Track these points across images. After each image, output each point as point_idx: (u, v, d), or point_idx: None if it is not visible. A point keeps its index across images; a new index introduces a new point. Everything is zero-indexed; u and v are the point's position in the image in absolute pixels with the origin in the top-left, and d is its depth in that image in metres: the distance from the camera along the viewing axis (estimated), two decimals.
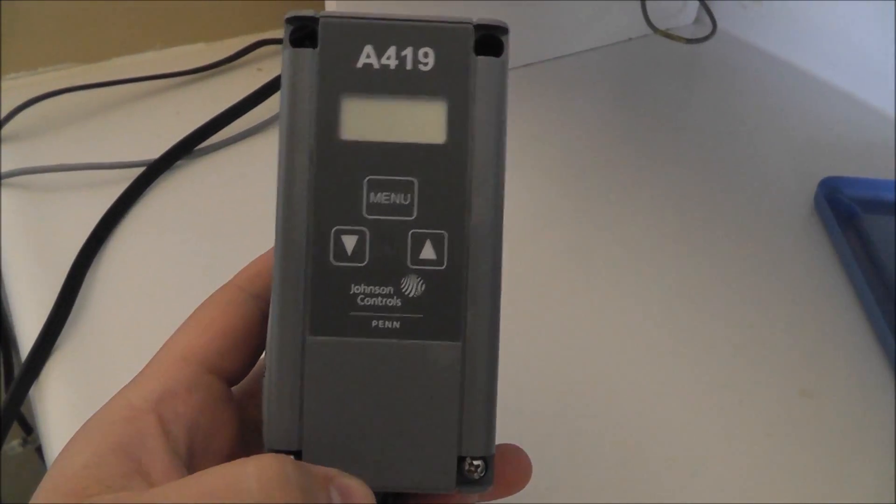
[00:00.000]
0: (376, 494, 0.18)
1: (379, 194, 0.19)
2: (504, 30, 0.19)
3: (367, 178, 0.19)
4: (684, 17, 0.61)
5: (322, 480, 0.17)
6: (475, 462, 0.19)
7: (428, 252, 0.19)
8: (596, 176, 0.45)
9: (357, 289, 0.19)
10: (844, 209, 0.43)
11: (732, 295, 0.38)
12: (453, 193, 0.19)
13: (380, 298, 0.19)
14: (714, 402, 0.33)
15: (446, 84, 0.19)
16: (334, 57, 0.19)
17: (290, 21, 0.19)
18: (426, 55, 0.19)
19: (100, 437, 0.17)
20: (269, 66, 0.52)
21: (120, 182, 0.40)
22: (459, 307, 0.19)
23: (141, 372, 0.19)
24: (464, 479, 0.19)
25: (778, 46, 0.57)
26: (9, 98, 0.45)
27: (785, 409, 0.33)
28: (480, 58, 0.19)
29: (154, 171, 0.41)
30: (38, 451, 0.53)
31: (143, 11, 0.50)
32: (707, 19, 0.59)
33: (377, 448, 0.19)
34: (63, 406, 0.31)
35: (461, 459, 0.19)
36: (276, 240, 0.19)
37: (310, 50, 0.19)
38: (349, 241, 0.19)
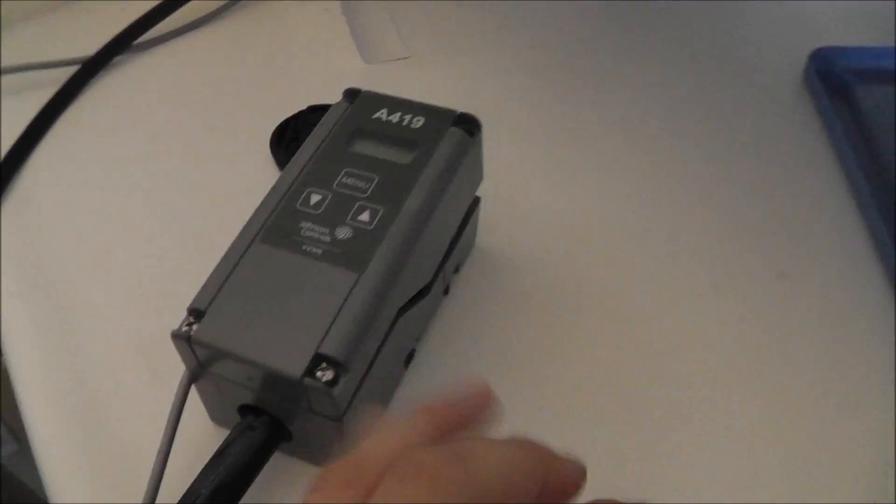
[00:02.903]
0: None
1: (349, 179, 0.26)
2: (477, 121, 0.28)
3: (346, 169, 0.27)
4: None
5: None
6: (326, 366, 0.22)
7: (364, 216, 0.25)
8: (581, 56, 0.44)
9: (305, 224, 0.25)
10: (838, 81, 0.39)
11: (715, 173, 0.36)
12: (399, 191, 0.26)
13: (316, 233, 0.25)
14: (688, 283, 0.32)
15: (422, 137, 0.27)
16: (362, 109, 0.29)
17: (348, 92, 0.30)
18: (418, 120, 0.28)
19: None
20: None
21: (58, 83, 0.39)
22: (369, 253, 0.24)
23: None
24: (311, 375, 0.22)
25: None
26: None
27: (762, 292, 0.30)
28: (454, 128, 0.28)
29: (89, 69, 0.39)
30: None
31: None
32: None
33: (260, 328, 0.23)
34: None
35: (318, 358, 0.22)
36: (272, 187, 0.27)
37: (347, 104, 0.29)
38: (315, 198, 0.26)
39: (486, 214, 0.34)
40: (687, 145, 0.39)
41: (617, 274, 0.33)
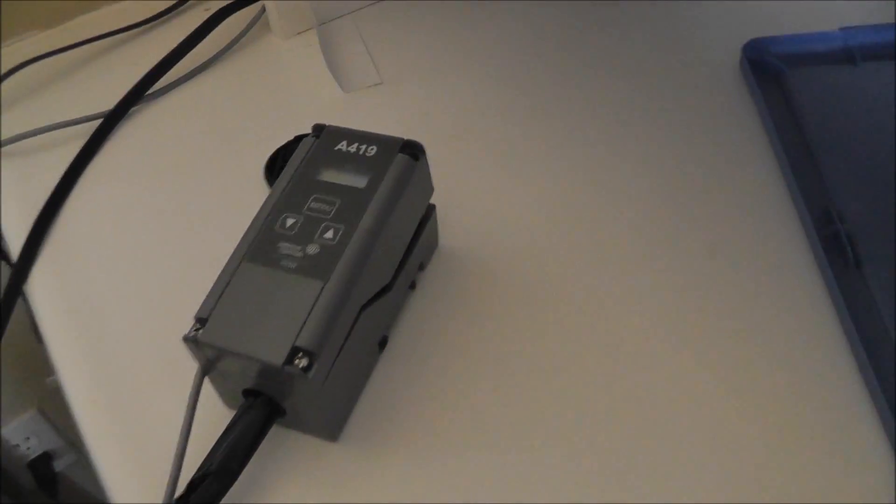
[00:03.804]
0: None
1: (316, 203, 0.33)
2: (420, 147, 0.34)
3: (314, 196, 0.33)
4: None
5: None
6: (302, 356, 0.28)
7: (329, 234, 0.31)
8: (532, 67, 0.49)
9: (282, 244, 0.31)
10: (769, 68, 0.44)
11: (660, 165, 0.42)
12: (356, 212, 0.32)
13: (291, 251, 0.31)
14: (630, 264, 0.38)
15: (375, 164, 0.33)
16: (326, 142, 0.35)
17: (315, 128, 0.36)
18: (371, 149, 0.34)
19: None
20: (216, 5, 0.52)
21: (84, 136, 0.45)
22: (332, 264, 0.30)
23: None
24: (290, 363, 0.28)
25: None
26: None
27: (693, 269, 0.37)
28: (400, 155, 0.34)
29: (111, 120, 0.45)
30: None
31: None
32: None
33: (249, 328, 0.29)
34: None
35: (295, 350, 0.28)
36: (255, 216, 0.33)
37: (314, 139, 0.35)
38: (290, 221, 0.32)
39: (450, 218, 0.40)
40: (634, 140, 0.44)
41: (570, 267, 0.39)
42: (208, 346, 0.29)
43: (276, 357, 0.28)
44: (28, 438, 0.70)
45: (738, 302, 0.37)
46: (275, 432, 0.32)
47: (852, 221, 0.38)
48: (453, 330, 0.36)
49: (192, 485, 0.29)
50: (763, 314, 0.36)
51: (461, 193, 0.42)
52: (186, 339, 0.30)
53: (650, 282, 0.38)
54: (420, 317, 0.37)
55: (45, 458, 0.71)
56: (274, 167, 0.44)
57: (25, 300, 0.47)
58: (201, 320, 0.30)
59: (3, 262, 0.53)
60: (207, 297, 0.30)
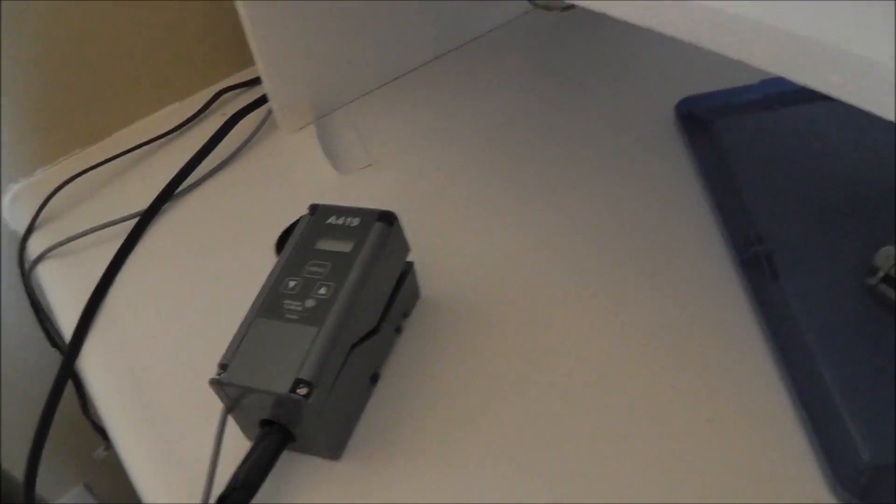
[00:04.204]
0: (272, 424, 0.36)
1: (312, 267, 0.40)
2: (393, 215, 0.42)
3: (310, 261, 0.41)
4: None
5: None
6: (303, 386, 0.35)
7: (322, 291, 0.39)
8: (498, 139, 0.57)
9: (285, 301, 0.39)
10: (701, 120, 0.52)
11: (605, 202, 0.50)
12: (343, 271, 0.39)
13: (293, 305, 0.39)
14: (587, 299, 0.45)
15: (358, 232, 0.41)
16: (320, 217, 0.43)
17: (311, 207, 0.44)
18: (355, 220, 0.42)
19: None
20: (231, 109, 0.62)
21: (125, 233, 0.54)
22: (325, 314, 0.38)
23: None
24: (293, 391, 0.35)
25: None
26: (40, 189, 0.59)
27: (638, 289, 0.45)
28: (377, 223, 0.41)
29: (146, 218, 0.54)
30: None
31: (126, 92, 0.63)
32: None
33: (261, 368, 0.37)
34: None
35: (297, 381, 0.36)
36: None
37: (310, 216, 0.43)
38: (292, 283, 0.40)
39: (431, 271, 0.48)
40: (588, 190, 0.52)
41: (537, 303, 0.46)
42: (229, 385, 0.37)
43: (283, 388, 0.36)
44: None
45: (675, 313, 0.43)
46: (287, 457, 0.39)
47: (771, 241, 0.44)
48: (438, 366, 0.43)
49: (222, 499, 0.36)
50: (696, 323, 0.43)
51: (441, 250, 0.49)
52: (212, 381, 0.37)
53: (609, 313, 0.44)
54: (408, 357, 0.44)
55: None
56: (284, 241, 0.52)
57: (75, 378, 0.55)
58: (223, 366, 0.37)
59: (56, 350, 0.62)
60: (228, 346, 0.38)
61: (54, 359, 0.52)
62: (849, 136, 0.51)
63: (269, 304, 0.39)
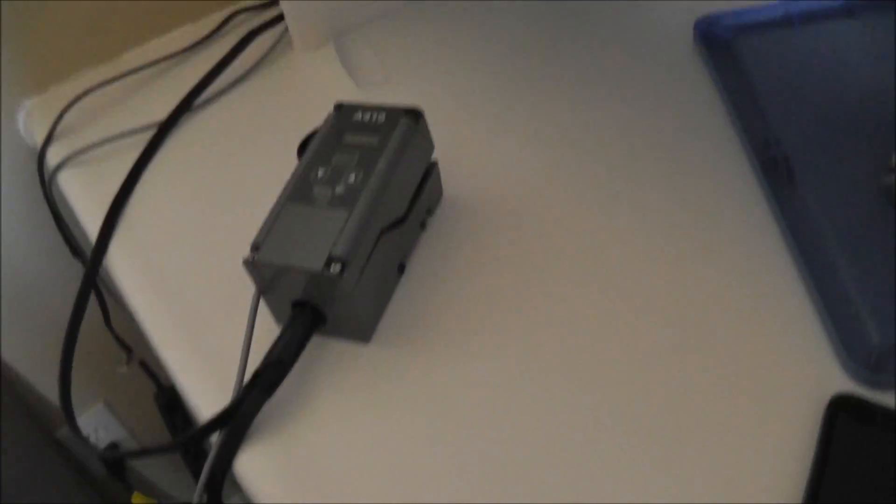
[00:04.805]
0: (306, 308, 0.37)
1: (340, 157, 0.41)
2: (419, 111, 0.42)
3: (338, 152, 0.41)
4: None
5: None
6: (336, 262, 0.36)
7: (351, 178, 0.40)
8: (520, 57, 0.57)
9: (315, 187, 0.40)
10: (721, 39, 0.50)
11: (627, 117, 0.50)
12: (371, 161, 0.40)
13: (323, 191, 0.39)
14: (601, 194, 0.45)
15: (384, 127, 0.42)
16: (346, 114, 0.43)
17: (336, 105, 0.44)
18: (381, 116, 0.42)
19: None
20: (244, 31, 0.62)
21: (144, 142, 0.55)
22: (355, 198, 0.38)
23: None
24: (328, 268, 0.36)
25: None
26: (54, 104, 0.59)
27: (660, 196, 0.45)
28: (404, 118, 0.42)
29: (165, 127, 0.55)
30: (142, 364, 0.66)
31: (138, 11, 0.63)
32: None
33: (294, 248, 0.37)
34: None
35: (331, 258, 0.36)
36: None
37: (336, 114, 0.44)
38: (321, 172, 0.40)
39: (454, 172, 0.48)
40: (609, 104, 0.52)
41: (554, 205, 0.46)
42: (263, 264, 0.37)
43: (317, 264, 0.36)
44: (96, 430, 0.78)
45: (697, 212, 0.44)
46: (318, 342, 0.40)
47: (790, 146, 0.45)
48: (460, 260, 0.44)
49: (257, 374, 0.37)
50: (717, 221, 0.44)
51: (461, 155, 0.50)
52: (245, 261, 0.38)
53: (627, 212, 0.45)
54: (431, 250, 0.45)
55: (113, 448, 0.78)
56: (305, 147, 0.52)
57: (97, 290, 0.55)
58: (256, 247, 0.38)
59: (77, 258, 0.63)
60: (260, 230, 0.39)
61: (74, 273, 0.52)
62: (868, 51, 0.52)
63: (299, 191, 0.40)
